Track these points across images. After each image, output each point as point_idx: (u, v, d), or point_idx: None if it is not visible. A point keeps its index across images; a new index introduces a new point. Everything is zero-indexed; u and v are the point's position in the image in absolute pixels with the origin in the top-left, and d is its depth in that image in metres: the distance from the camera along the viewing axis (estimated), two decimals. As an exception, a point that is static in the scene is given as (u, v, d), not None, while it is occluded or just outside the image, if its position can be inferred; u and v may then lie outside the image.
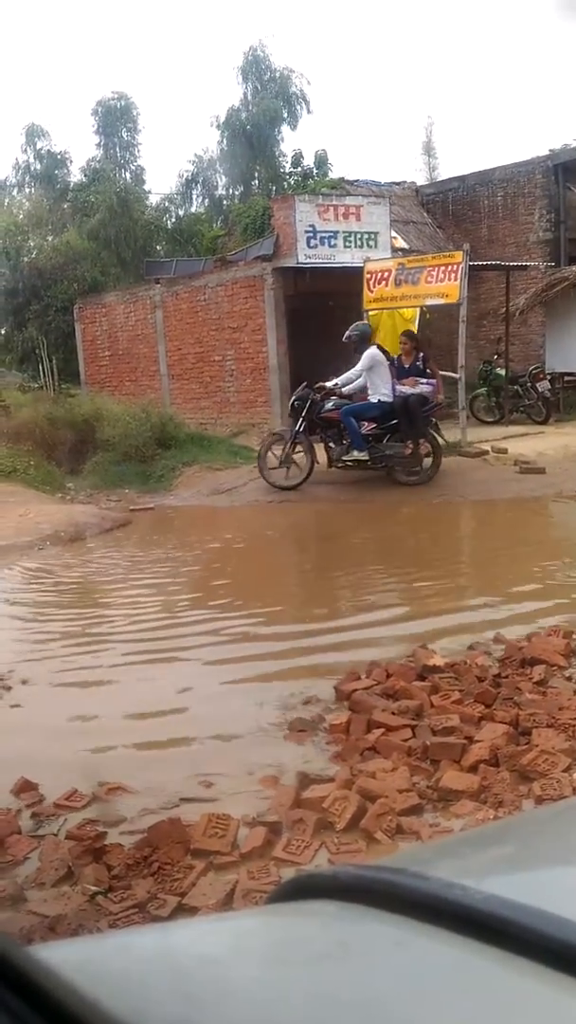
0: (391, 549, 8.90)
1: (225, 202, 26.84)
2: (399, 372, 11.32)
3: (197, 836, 3.20)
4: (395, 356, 11.53)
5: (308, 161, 26.06)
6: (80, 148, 34.19)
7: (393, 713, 4.14)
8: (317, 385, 11.26)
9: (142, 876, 3.05)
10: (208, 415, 17.39)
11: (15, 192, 26.52)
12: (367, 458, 11.03)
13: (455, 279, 12.40)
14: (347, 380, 11.22)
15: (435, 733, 3.88)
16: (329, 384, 11.21)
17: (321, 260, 15.42)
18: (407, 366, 11.50)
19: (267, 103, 25.91)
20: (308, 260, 15.30)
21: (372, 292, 13.85)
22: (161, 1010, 0.53)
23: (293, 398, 11.59)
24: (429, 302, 13.27)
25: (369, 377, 11.03)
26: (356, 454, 11.02)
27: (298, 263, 15.37)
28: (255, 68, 26.43)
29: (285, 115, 26.41)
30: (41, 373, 20.47)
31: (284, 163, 26.77)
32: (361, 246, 15.38)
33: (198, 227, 25.38)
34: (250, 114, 26.20)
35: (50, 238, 23.91)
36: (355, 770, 3.68)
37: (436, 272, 12.77)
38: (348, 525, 10.06)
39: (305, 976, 0.62)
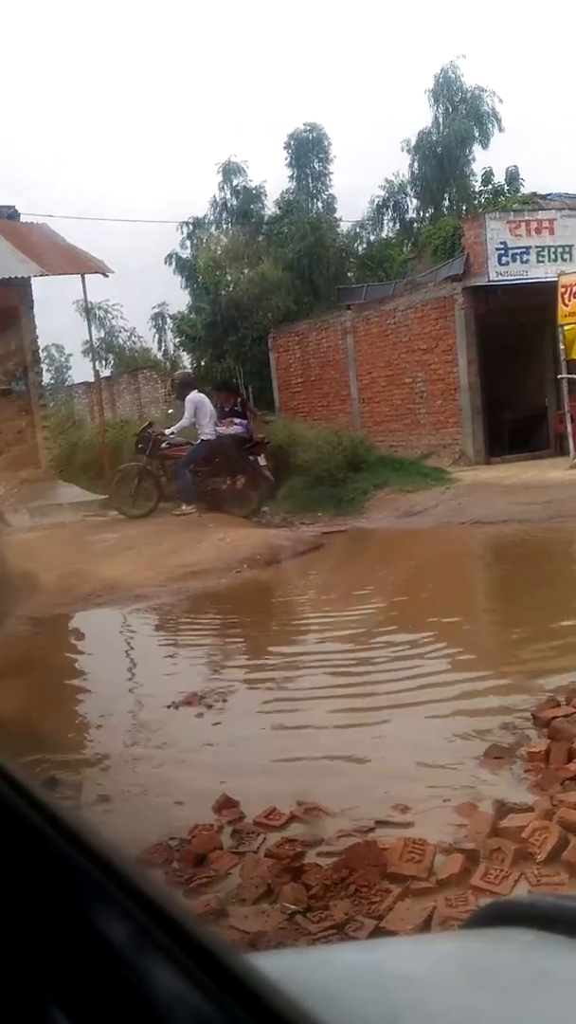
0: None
1: (416, 225, 26.87)
2: (219, 414, 12.42)
3: (393, 860, 3.19)
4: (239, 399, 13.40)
5: (499, 178, 25.71)
6: (274, 181, 35.08)
7: (596, 743, 3.97)
8: (156, 432, 12.23)
9: (339, 897, 3.07)
10: (398, 437, 17.40)
11: (213, 229, 27.70)
12: (195, 511, 11.72)
13: None
14: (180, 428, 12.14)
15: None
16: (167, 432, 12.16)
17: (513, 277, 15.14)
18: (226, 409, 12.90)
19: (458, 124, 25.80)
20: (499, 278, 15.07)
21: (567, 306, 13.46)
22: None
23: (137, 440, 12.41)
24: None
25: (197, 419, 11.90)
26: (184, 508, 11.81)
27: (489, 281, 15.16)
28: (446, 90, 26.40)
29: (476, 134, 26.20)
30: (238, 401, 21.17)
31: (475, 182, 26.53)
32: (555, 260, 15.00)
33: (388, 251, 25.54)
34: (441, 136, 26.16)
35: (246, 271, 24.78)
36: (556, 800, 3.56)
37: None
38: (543, 547, 9.75)
39: (506, 1003, 0.62)
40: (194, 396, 11.97)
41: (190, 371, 13.23)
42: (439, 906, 2.92)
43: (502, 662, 5.69)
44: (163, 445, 12.01)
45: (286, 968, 0.63)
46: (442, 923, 2.82)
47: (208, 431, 11.87)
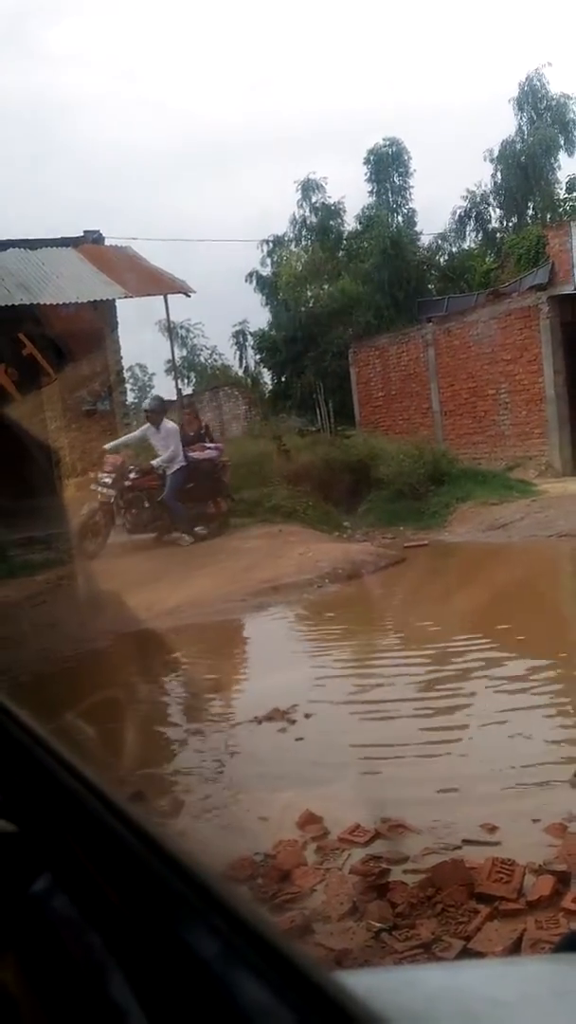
0: None
1: (499, 235, 26.60)
2: (184, 439, 11.91)
3: (481, 880, 3.12)
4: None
5: (585, 186, 25.30)
6: (354, 196, 35.20)
7: None
8: (142, 469, 11.46)
9: (426, 916, 3.01)
10: (481, 450, 17.17)
11: (293, 246, 27.92)
12: (192, 540, 11.29)
13: None
14: (167, 460, 11.48)
15: None
16: (155, 463, 11.47)
17: (600, 285, 14.83)
18: (191, 434, 12.42)
19: (543, 132, 25.51)
20: (586, 286, 14.76)
21: None
22: None
23: (103, 476, 11.29)
24: None
25: (174, 447, 11.49)
26: (186, 539, 11.30)
27: (575, 290, 14.87)
28: (531, 98, 26.16)
29: (562, 142, 25.87)
30: (318, 417, 21.24)
31: (560, 190, 26.16)
32: None
33: (471, 262, 25.33)
34: (525, 144, 25.90)
35: (326, 286, 24.88)
36: None
37: None
38: None
39: None
40: (172, 425, 11.73)
41: (162, 397, 12.53)
42: (529, 928, 2.84)
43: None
44: (131, 476, 11.41)
45: (372, 987, 0.62)
46: (532, 945, 2.74)
47: (181, 459, 11.53)
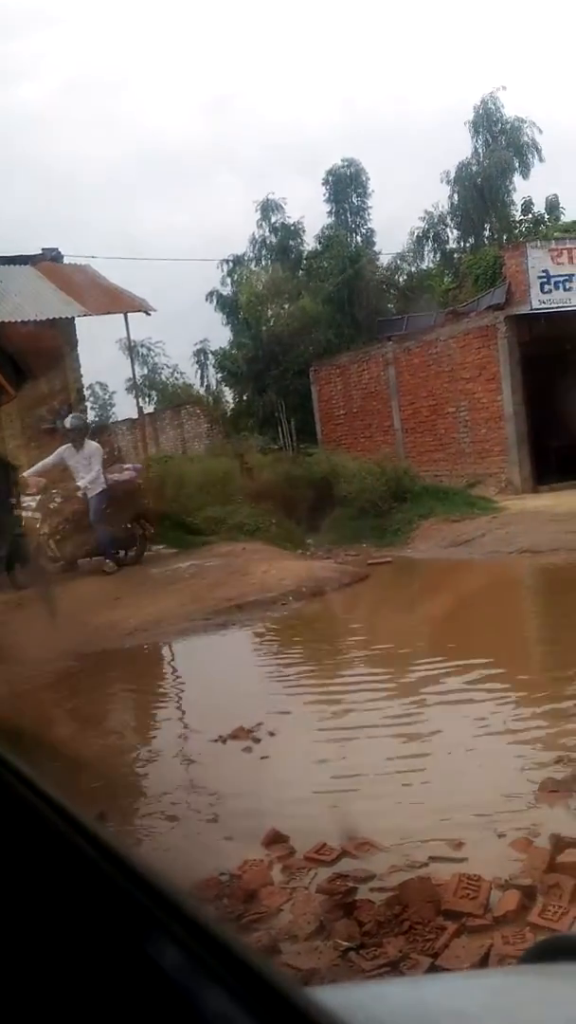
0: None
1: (456, 255, 26.97)
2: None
3: (448, 896, 3.11)
4: None
5: (539, 207, 25.77)
6: (312, 217, 35.54)
7: None
8: (65, 492, 10.73)
9: (393, 934, 2.99)
10: (443, 467, 17.31)
11: (252, 265, 28.05)
12: (117, 567, 10.72)
13: None
14: (92, 481, 10.72)
15: None
16: (81, 485, 10.70)
17: (556, 304, 15.07)
18: (105, 456, 11.51)
19: (498, 154, 25.97)
20: (543, 306, 15.00)
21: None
22: None
23: (27, 500, 10.48)
24: None
25: (96, 469, 10.80)
26: (109, 565, 10.69)
27: (532, 309, 15.11)
28: (486, 121, 26.64)
29: (516, 165, 26.35)
30: (281, 435, 21.28)
31: (515, 212, 26.63)
32: (599, 287, 14.89)
33: (429, 282, 25.63)
34: (481, 166, 26.33)
35: (286, 306, 25.02)
36: (616, 835, 3.45)
37: None
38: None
39: None
40: (94, 445, 11.08)
41: (83, 416, 11.57)
42: (496, 943, 2.83)
43: (556, 695, 5.56)
44: (57, 500, 10.71)
45: (341, 1002, 0.62)
46: (499, 961, 2.74)
47: (102, 481, 10.83)
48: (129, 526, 11.26)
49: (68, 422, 10.95)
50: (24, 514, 10.14)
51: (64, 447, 10.88)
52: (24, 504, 10.24)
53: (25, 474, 10.65)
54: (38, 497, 10.46)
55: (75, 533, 10.68)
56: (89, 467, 10.78)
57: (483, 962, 2.76)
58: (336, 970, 2.81)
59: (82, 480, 10.68)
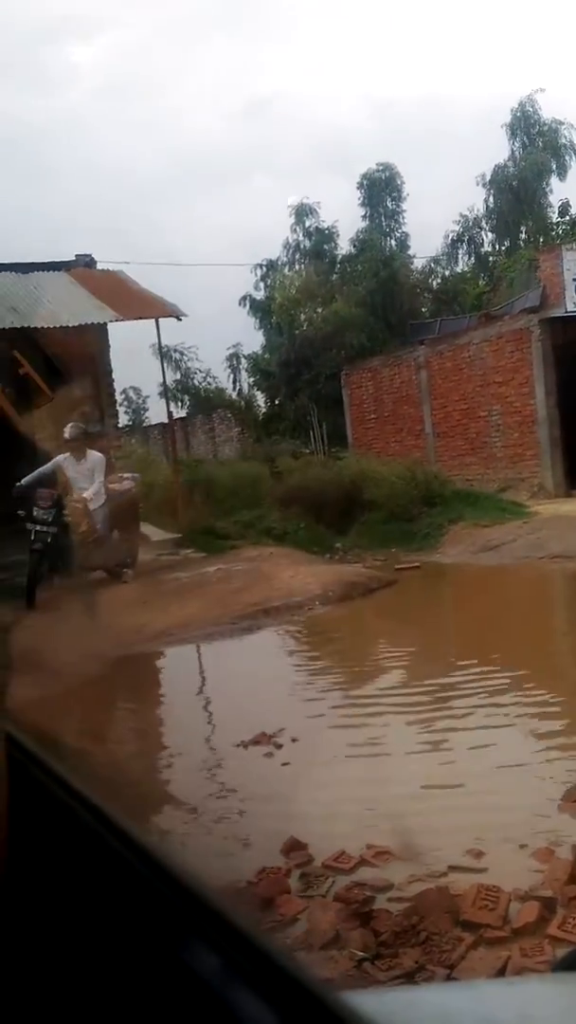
0: None
1: (491, 258, 26.82)
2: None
3: (466, 907, 3.07)
4: None
5: (576, 210, 25.57)
6: (347, 221, 35.59)
7: None
8: (73, 503, 10.10)
9: (410, 945, 2.96)
10: (474, 471, 17.19)
11: (286, 270, 28.10)
12: (133, 575, 10.58)
13: None
14: (96, 493, 10.23)
15: None
16: (86, 496, 10.13)
17: (592, 307, 14.92)
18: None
19: (535, 156, 25.81)
20: (577, 308, 14.86)
21: None
22: None
23: (22, 503, 10.00)
24: None
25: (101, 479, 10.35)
26: (128, 575, 10.56)
27: (567, 312, 14.95)
28: (523, 123, 26.49)
29: (553, 167, 26.16)
30: (311, 439, 21.26)
31: (552, 214, 26.43)
32: None
33: (463, 285, 25.52)
34: (517, 169, 26.18)
35: (320, 309, 25.03)
36: None
37: None
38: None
39: None
40: (97, 455, 10.52)
41: (83, 425, 10.84)
42: (514, 956, 2.79)
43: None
44: (65, 512, 10.11)
45: (373, 1007, 0.63)
46: (517, 974, 2.69)
47: (104, 493, 10.41)
48: (128, 538, 11.05)
49: (67, 431, 10.39)
50: (36, 528, 9.80)
51: (62, 456, 10.35)
52: (38, 516, 9.86)
53: (19, 484, 10.13)
54: (52, 509, 9.96)
55: (85, 546, 10.19)
56: (91, 478, 10.30)
57: (500, 975, 2.72)
58: (351, 981, 2.78)
59: (85, 492, 10.19)
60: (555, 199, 26.47)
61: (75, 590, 9.93)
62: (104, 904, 0.48)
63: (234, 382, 31.19)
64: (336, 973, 2.84)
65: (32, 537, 9.71)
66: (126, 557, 10.93)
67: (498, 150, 28.41)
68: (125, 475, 11.79)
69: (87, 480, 10.25)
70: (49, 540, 9.76)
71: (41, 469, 10.30)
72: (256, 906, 3.30)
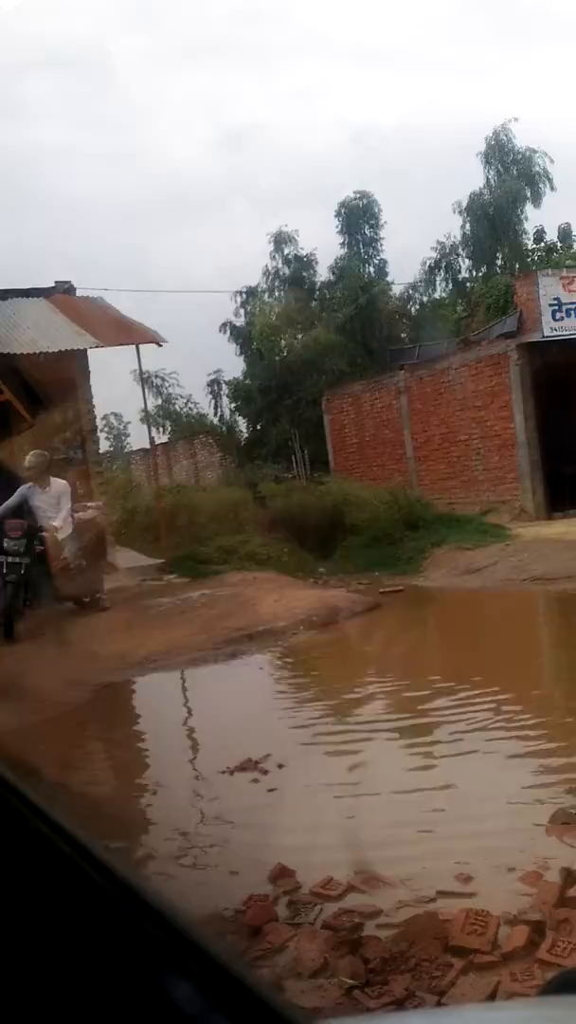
0: None
1: (468, 284, 27.10)
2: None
3: (455, 932, 3.04)
4: None
5: (551, 236, 25.92)
6: (325, 248, 35.89)
7: None
8: (26, 523, 9.70)
9: (399, 972, 2.92)
10: (456, 495, 17.27)
11: (266, 297, 28.28)
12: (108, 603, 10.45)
13: None
14: (63, 521, 9.94)
15: None
16: (55, 524, 9.79)
17: (569, 332, 15.08)
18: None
19: (510, 184, 26.16)
20: (554, 333, 15.02)
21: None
22: None
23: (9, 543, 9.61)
24: None
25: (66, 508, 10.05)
26: (104, 601, 10.47)
27: (544, 337, 15.12)
28: (498, 152, 26.88)
29: (528, 194, 26.53)
30: (293, 464, 21.31)
31: (527, 241, 26.79)
32: (611, 314, 14.91)
33: (441, 311, 25.75)
34: (493, 196, 26.53)
35: (299, 336, 25.18)
36: (627, 869, 3.37)
37: None
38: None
39: None
40: (62, 483, 10.18)
41: (45, 452, 10.47)
42: (504, 981, 2.77)
43: (569, 726, 5.48)
44: (40, 537, 9.76)
45: None
46: (507, 999, 2.66)
47: (71, 520, 10.17)
48: (95, 568, 10.78)
49: (28, 459, 10.06)
50: (7, 560, 9.47)
51: (26, 486, 9.97)
52: (9, 548, 9.52)
53: (54, 523, 9.86)
54: (23, 540, 9.61)
55: (55, 576, 9.86)
56: (57, 506, 9.96)
57: (490, 1000, 2.69)
58: (340, 1009, 2.74)
59: (53, 521, 9.84)
60: (530, 226, 26.88)
61: (53, 619, 9.83)
62: (84, 936, 0.48)
63: (215, 408, 31.24)
64: (326, 1001, 2.81)
65: (3, 570, 9.39)
66: (94, 588, 10.69)
67: (474, 178, 28.81)
68: (89, 504, 11.57)
69: (53, 509, 9.92)
70: (23, 571, 9.44)
71: (7, 502, 9.92)
72: (244, 934, 3.25)
